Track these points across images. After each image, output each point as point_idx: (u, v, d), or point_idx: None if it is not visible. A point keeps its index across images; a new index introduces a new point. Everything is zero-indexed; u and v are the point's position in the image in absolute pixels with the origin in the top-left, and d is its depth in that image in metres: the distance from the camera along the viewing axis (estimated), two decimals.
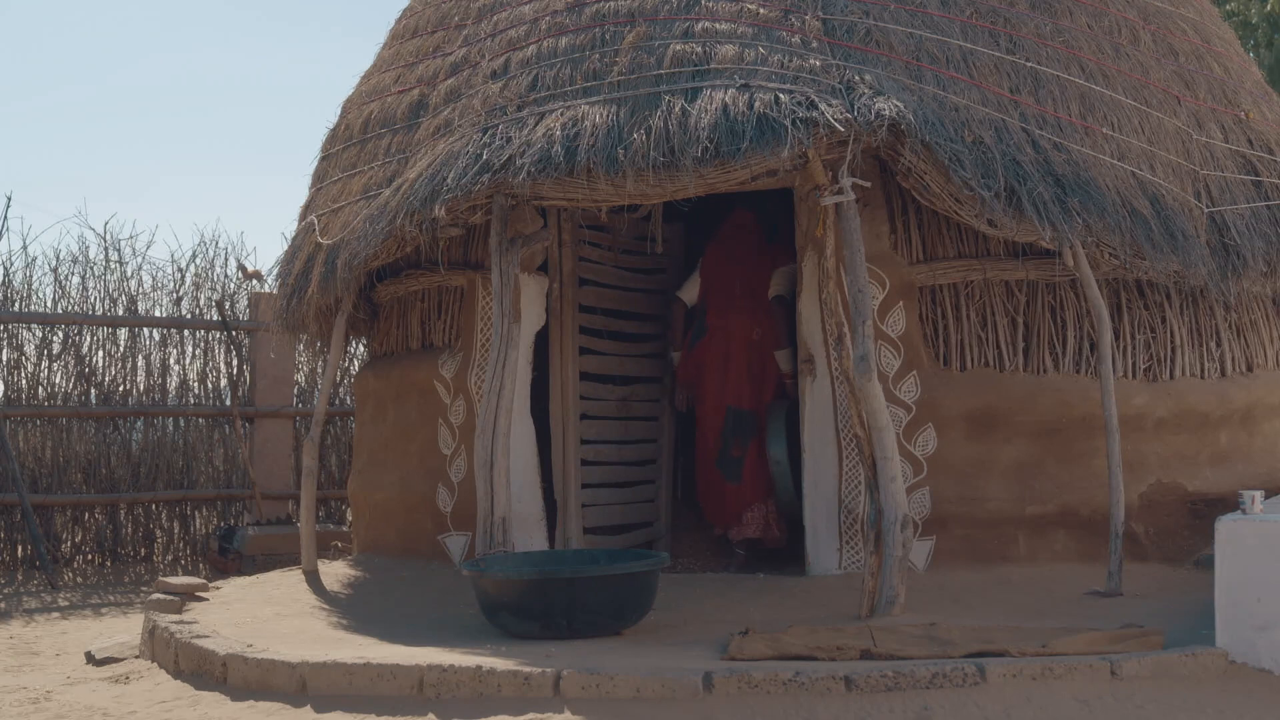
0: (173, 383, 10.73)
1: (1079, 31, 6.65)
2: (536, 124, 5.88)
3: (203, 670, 4.95)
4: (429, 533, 6.99)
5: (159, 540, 10.51)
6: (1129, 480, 6.05)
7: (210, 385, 10.83)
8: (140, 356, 10.50)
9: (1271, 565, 4.35)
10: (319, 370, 11.16)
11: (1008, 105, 6.07)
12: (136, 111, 43.71)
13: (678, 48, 5.88)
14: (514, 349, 6.07)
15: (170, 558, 10.43)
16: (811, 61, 5.71)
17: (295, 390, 11.05)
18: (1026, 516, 6.18)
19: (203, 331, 10.75)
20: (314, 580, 6.89)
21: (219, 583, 7.14)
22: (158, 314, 10.65)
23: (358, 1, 49.81)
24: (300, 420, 10.88)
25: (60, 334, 10.23)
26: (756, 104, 5.44)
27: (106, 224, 19.40)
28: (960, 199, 5.68)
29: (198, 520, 10.64)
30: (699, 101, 5.56)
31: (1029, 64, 6.30)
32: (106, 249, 10.56)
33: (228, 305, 10.74)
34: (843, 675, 4.10)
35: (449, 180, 5.91)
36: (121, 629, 6.93)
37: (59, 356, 10.23)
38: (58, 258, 10.67)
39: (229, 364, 10.73)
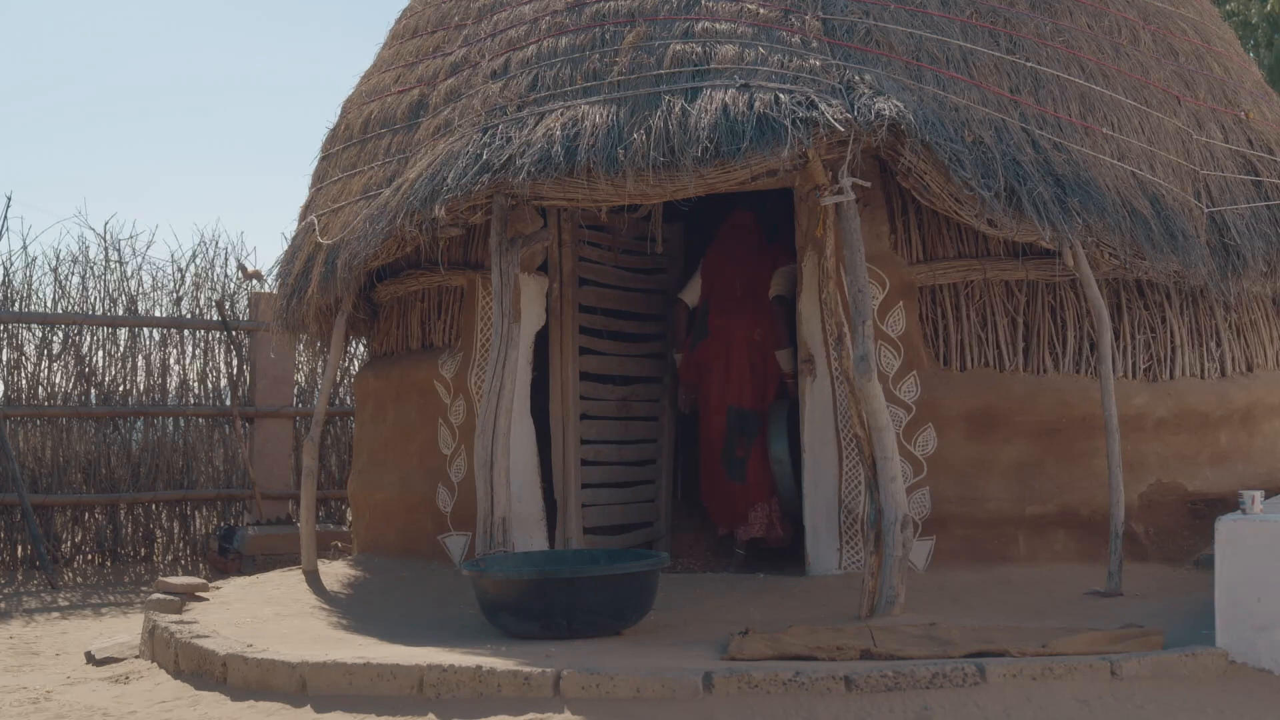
0: (173, 383, 10.74)
1: (1079, 31, 6.65)
2: (536, 124, 5.88)
3: (203, 670, 4.95)
4: (429, 533, 6.99)
5: (159, 540, 10.51)
6: (1129, 480, 6.05)
7: (210, 385, 10.83)
8: (140, 356, 10.51)
9: (1271, 565, 4.34)
10: (319, 370, 11.16)
11: (1008, 105, 6.07)
12: (136, 111, 43.75)
13: (678, 48, 5.88)
14: (514, 349, 6.07)
15: (170, 558, 10.43)
16: (811, 61, 5.71)
17: (295, 390, 11.05)
18: (1026, 516, 6.18)
19: (203, 331, 10.75)
20: (314, 580, 6.89)
21: (219, 583, 7.14)
22: (158, 314, 10.65)
23: (358, 1, 49.84)
24: (300, 420, 10.88)
25: (60, 334, 10.23)
26: (756, 104, 5.44)
27: (106, 224, 19.45)
28: (960, 199, 5.68)
29: (198, 520, 10.64)
30: (699, 101, 5.56)
31: (1029, 64, 6.30)
32: (106, 249, 10.58)
33: (228, 305, 10.74)
34: (843, 675, 4.10)
35: (449, 180, 5.91)
36: (121, 629, 6.93)
37: (59, 356, 10.24)
38: (58, 258, 10.70)
39: (229, 364, 10.73)
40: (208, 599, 6.47)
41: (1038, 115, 6.11)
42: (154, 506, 10.45)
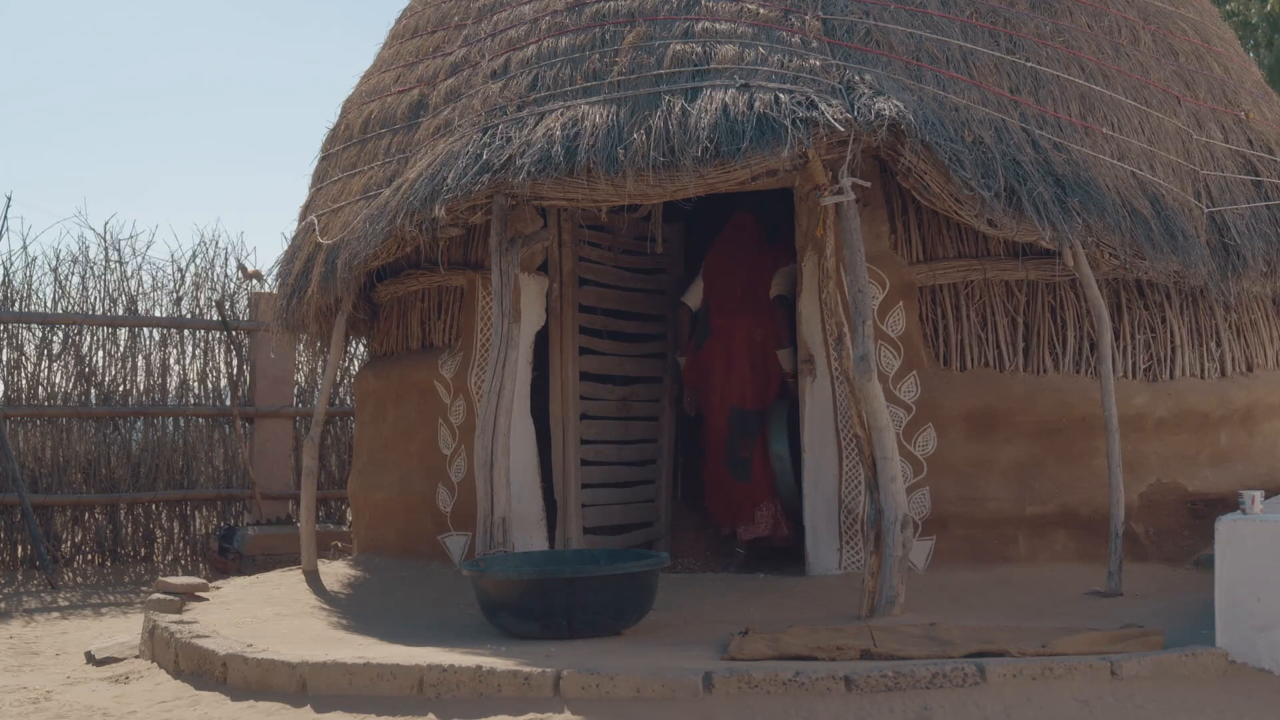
0: (173, 383, 10.74)
1: (1079, 31, 6.65)
2: (536, 124, 5.88)
3: (203, 670, 4.95)
4: (429, 533, 6.99)
5: (159, 540, 10.51)
6: (1129, 480, 6.05)
7: (210, 385, 10.83)
8: (140, 356, 10.51)
9: (1271, 565, 4.34)
10: (319, 370, 11.16)
11: (1008, 105, 6.07)
12: (136, 111, 43.73)
13: (678, 48, 5.88)
14: (514, 349, 6.07)
15: (170, 558, 10.43)
16: (811, 61, 5.71)
17: (295, 390, 11.05)
18: (1026, 516, 6.18)
19: (203, 331, 10.75)
20: (314, 580, 6.89)
21: (219, 583, 7.14)
22: (158, 314, 10.65)
23: (358, 1, 49.84)
24: (300, 420, 10.88)
25: (60, 334, 10.23)
26: (756, 104, 5.44)
27: (106, 224, 19.47)
28: (960, 199, 5.68)
29: (198, 520, 10.64)
30: (699, 101, 5.56)
31: (1029, 64, 6.30)
32: (106, 249, 10.59)
33: (228, 305, 10.74)
34: (843, 675, 4.10)
35: (449, 180, 5.91)
36: (121, 629, 6.93)
37: (59, 356, 10.24)
38: (58, 258, 10.70)
39: (229, 364, 10.73)
40: (208, 599, 6.47)
41: (1038, 115, 6.11)
42: (154, 506, 10.45)
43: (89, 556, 10.13)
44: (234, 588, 6.91)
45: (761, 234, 7.43)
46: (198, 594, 6.45)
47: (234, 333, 10.60)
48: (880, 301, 6.20)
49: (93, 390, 10.31)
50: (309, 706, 4.33)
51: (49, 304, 10.29)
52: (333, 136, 7.61)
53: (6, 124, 34.05)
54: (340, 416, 11.11)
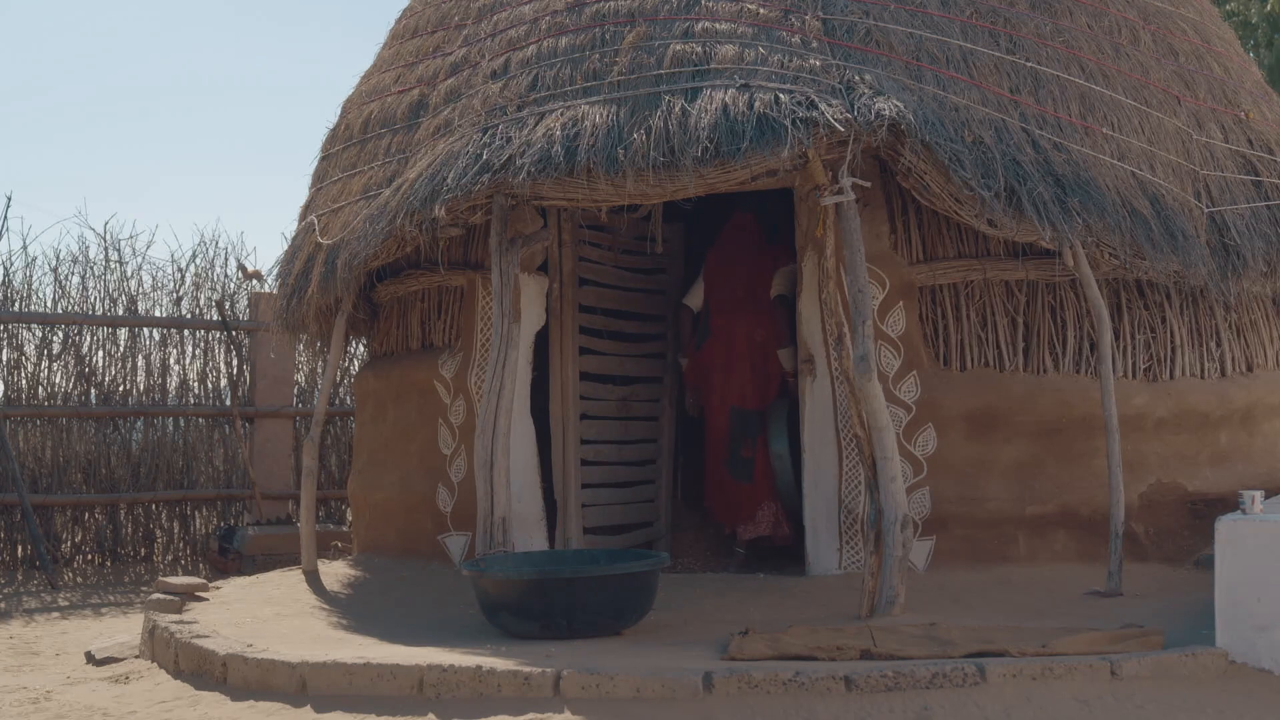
0: (173, 383, 10.74)
1: (1079, 31, 6.65)
2: (536, 124, 5.88)
3: (203, 670, 4.95)
4: (429, 533, 6.99)
5: (159, 540, 10.51)
6: (1129, 480, 6.05)
7: (210, 385, 10.83)
8: (140, 356, 10.51)
9: (1271, 565, 4.34)
10: (319, 370, 11.16)
11: (1008, 105, 6.07)
12: (136, 111, 43.75)
13: (678, 48, 5.88)
14: (514, 349, 6.07)
15: (170, 558, 10.43)
16: (811, 61, 5.71)
17: (295, 390, 11.05)
18: (1026, 516, 6.18)
19: (203, 331, 10.75)
20: (314, 580, 6.89)
21: (219, 583, 7.14)
22: (158, 314, 10.65)
23: (358, 1, 49.84)
24: (300, 420, 10.88)
25: (60, 334, 10.23)
26: (756, 104, 5.44)
27: (106, 224, 19.45)
28: (960, 199, 5.68)
29: (198, 520, 10.64)
30: (699, 101, 5.56)
31: (1029, 64, 6.30)
32: (106, 249, 10.59)
33: (228, 305, 10.74)
34: (843, 675, 4.10)
35: (449, 180, 5.91)
36: (121, 629, 6.93)
37: (59, 356, 10.24)
38: (58, 258, 10.70)
39: (229, 364, 10.73)
40: (208, 599, 6.47)
41: (1038, 115, 6.11)
42: (154, 506, 10.45)
43: (89, 556, 10.13)
44: (234, 588, 6.91)
45: (761, 234, 7.43)
46: (198, 594, 6.45)
47: (234, 333, 10.60)
48: (880, 301, 6.20)
49: (93, 390, 10.31)
50: (309, 706, 4.33)
51: (49, 304, 10.29)
52: (333, 136, 7.61)
53: (6, 124, 34.09)
54: (340, 416, 11.11)
